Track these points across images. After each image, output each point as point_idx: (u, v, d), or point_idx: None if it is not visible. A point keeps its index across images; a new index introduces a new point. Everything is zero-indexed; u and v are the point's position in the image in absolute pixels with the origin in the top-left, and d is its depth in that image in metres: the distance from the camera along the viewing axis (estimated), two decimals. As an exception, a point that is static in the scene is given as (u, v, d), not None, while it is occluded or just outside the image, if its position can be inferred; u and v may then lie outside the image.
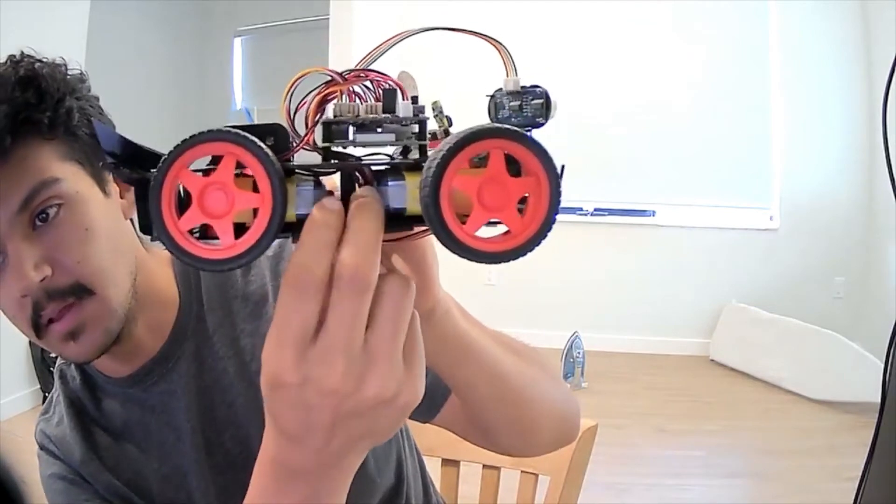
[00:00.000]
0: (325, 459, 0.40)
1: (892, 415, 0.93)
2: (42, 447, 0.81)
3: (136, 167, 0.37)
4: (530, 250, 0.35)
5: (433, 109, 0.41)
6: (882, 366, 0.94)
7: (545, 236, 0.35)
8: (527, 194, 0.35)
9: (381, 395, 0.37)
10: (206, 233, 0.36)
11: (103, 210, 0.72)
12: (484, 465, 1.09)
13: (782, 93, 4.69)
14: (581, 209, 4.71)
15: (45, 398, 0.86)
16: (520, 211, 0.35)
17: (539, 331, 4.67)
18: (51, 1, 3.30)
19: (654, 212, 4.85)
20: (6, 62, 0.68)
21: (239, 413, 0.77)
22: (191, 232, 0.35)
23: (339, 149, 0.38)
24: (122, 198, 0.76)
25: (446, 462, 1.10)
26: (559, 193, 0.35)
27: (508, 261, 0.35)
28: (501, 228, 0.36)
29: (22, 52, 0.69)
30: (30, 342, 3.65)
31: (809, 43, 4.65)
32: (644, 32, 4.74)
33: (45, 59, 0.70)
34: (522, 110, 0.39)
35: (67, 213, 0.68)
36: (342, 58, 4.04)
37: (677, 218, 4.80)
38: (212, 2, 5.95)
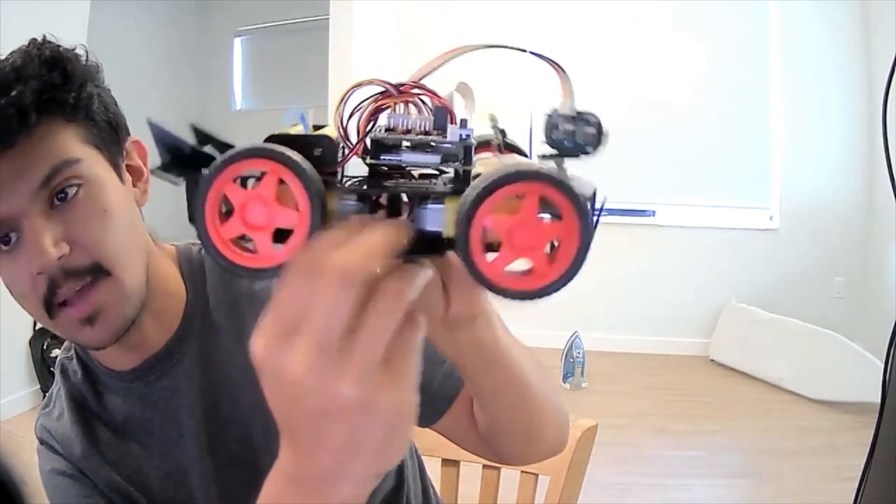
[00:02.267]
0: (319, 468, 0.38)
1: (892, 415, 0.93)
2: (42, 441, 0.81)
3: (185, 168, 0.38)
4: (553, 292, 0.36)
5: (490, 121, 0.42)
6: (882, 366, 0.94)
7: (570, 280, 0.36)
8: (558, 239, 0.36)
9: (349, 397, 0.36)
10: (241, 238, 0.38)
11: (120, 195, 0.72)
12: (484, 466, 1.09)
13: (782, 93, 4.69)
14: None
15: (45, 398, 0.86)
16: (551, 251, 0.36)
17: (539, 331, 4.66)
18: (51, 1, 3.30)
19: (654, 212, 4.85)
20: (29, 44, 0.69)
21: (243, 411, 0.77)
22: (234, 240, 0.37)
23: (390, 165, 0.39)
24: (134, 186, 0.77)
25: (446, 462, 1.10)
26: (589, 242, 0.35)
27: (532, 300, 0.36)
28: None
29: (44, 36, 0.70)
30: (30, 341, 3.66)
31: (809, 43, 4.65)
32: (644, 32, 4.74)
33: (65, 46, 0.71)
34: (574, 136, 0.39)
35: (86, 195, 0.69)
36: (342, 58, 4.04)
37: (677, 218, 4.80)
38: (212, 2, 5.95)
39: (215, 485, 0.77)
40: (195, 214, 0.36)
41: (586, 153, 0.39)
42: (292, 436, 0.39)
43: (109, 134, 0.74)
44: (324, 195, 0.36)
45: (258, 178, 0.37)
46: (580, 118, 0.39)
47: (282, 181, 0.36)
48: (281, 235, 0.37)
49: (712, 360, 4.57)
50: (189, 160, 0.38)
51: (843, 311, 4.51)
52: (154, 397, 0.78)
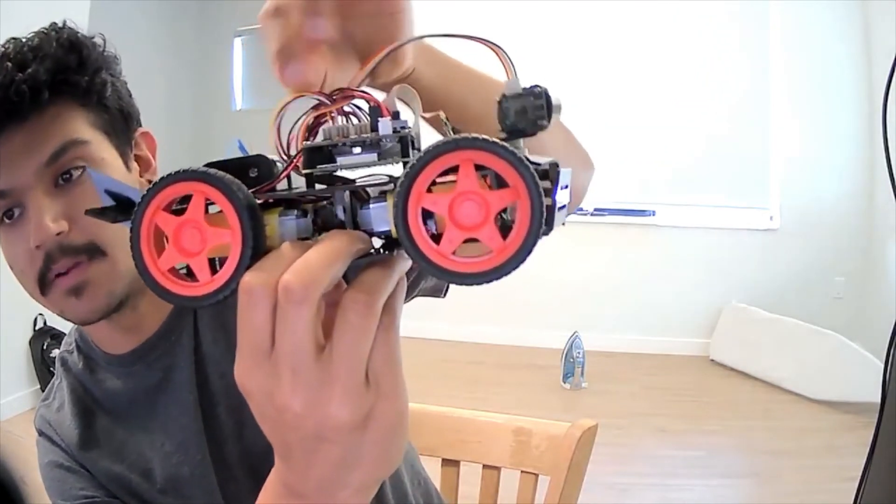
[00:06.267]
0: (314, 483, 0.38)
1: (892, 415, 0.93)
2: (41, 433, 0.81)
3: (122, 212, 0.38)
4: (513, 269, 0.32)
5: (441, 121, 0.41)
6: (882, 366, 0.95)
7: (529, 252, 0.32)
8: (511, 206, 0.33)
9: (339, 418, 0.35)
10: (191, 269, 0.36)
11: (125, 181, 0.73)
12: (484, 466, 1.09)
13: (782, 93, 4.69)
14: (581, 209, 4.69)
15: (44, 391, 0.86)
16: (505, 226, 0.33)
17: (539, 331, 4.68)
18: (51, 1, 3.30)
19: (654, 212, 4.85)
20: (49, 27, 0.72)
21: (231, 383, 0.78)
22: (176, 269, 0.36)
23: (341, 172, 0.38)
24: (141, 176, 0.80)
25: (446, 462, 1.10)
26: (541, 204, 0.32)
27: (489, 281, 0.33)
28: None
29: (64, 21, 0.73)
30: (30, 341, 3.66)
31: (810, 43, 4.64)
32: (644, 32, 4.74)
33: (83, 33, 0.74)
34: (526, 113, 0.36)
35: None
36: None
37: (677, 218, 4.80)
38: (212, 2, 5.95)
39: (211, 460, 0.78)
40: (131, 249, 0.36)
41: (542, 127, 0.37)
42: (286, 454, 0.38)
43: (120, 122, 0.76)
44: (254, 207, 0.35)
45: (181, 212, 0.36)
46: (527, 94, 0.37)
47: (211, 203, 0.35)
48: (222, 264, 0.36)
49: (712, 360, 4.57)
50: (119, 208, 0.38)
51: (843, 311, 4.50)
52: (155, 378, 0.79)
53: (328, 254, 0.34)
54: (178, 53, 5.81)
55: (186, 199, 0.36)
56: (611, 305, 4.77)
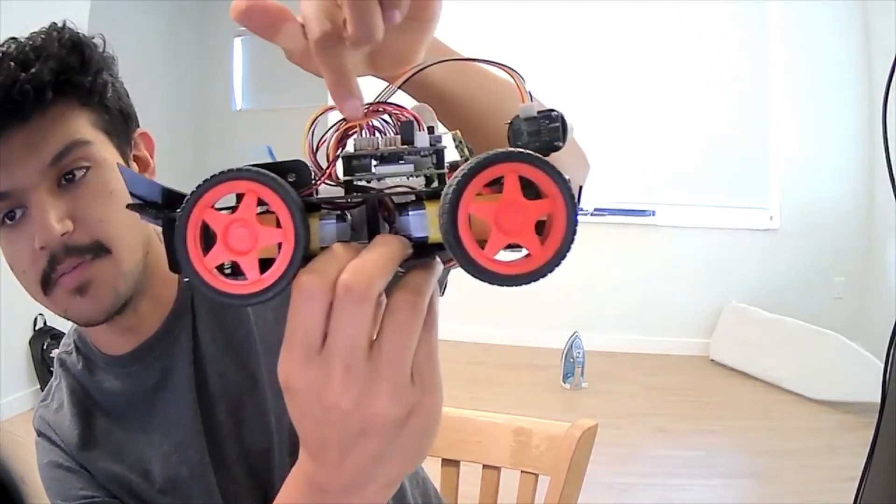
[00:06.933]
0: (345, 479, 0.39)
1: (892, 415, 0.93)
2: (40, 433, 0.82)
3: (162, 208, 0.39)
4: (550, 271, 0.35)
5: (454, 140, 0.42)
6: (882, 366, 0.95)
7: (564, 257, 0.35)
8: (546, 216, 0.36)
9: (386, 414, 0.37)
10: (237, 268, 0.37)
11: None
12: (484, 466, 1.09)
13: (782, 93, 4.69)
14: (581, 209, 4.68)
15: (43, 392, 0.86)
16: (540, 232, 0.36)
17: (539, 331, 4.68)
18: (51, 1, 3.30)
19: (653, 212, 4.85)
20: (50, 27, 0.72)
21: (230, 383, 0.79)
22: (221, 268, 0.37)
23: (363, 182, 0.39)
24: None
25: (446, 462, 1.10)
26: (576, 215, 0.35)
27: (528, 283, 0.35)
28: (524, 251, 0.36)
29: (64, 22, 0.73)
30: (30, 341, 3.66)
31: (810, 43, 4.65)
32: (644, 32, 4.74)
33: (84, 33, 0.74)
34: (540, 135, 0.39)
35: (93, 176, 0.71)
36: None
37: (677, 218, 4.80)
38: (212, 2, 5.96)
39: (210, 459, 0.78)
40: (176, 245, 0.36)
41: (556, 149, 0.39)
42: (319, 451, 0.39)
43: (120, 122, 0.77)
44: (304, 209, 0.36)
45: (234, 208, 0.37)
46: (542, 117, 0.39)
47: (260, 202, 0.36)
48: (264, 266, 0.36)
49: (712, 360, 4.57)
50: (160, 204, 0.38)
51: (843, 311, 4.50)
52: (153, 379, 0.79)
53: (383, 256, 0.36)
54: (178, 53, 5.82)
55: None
56: (611, 305, 4.77)
